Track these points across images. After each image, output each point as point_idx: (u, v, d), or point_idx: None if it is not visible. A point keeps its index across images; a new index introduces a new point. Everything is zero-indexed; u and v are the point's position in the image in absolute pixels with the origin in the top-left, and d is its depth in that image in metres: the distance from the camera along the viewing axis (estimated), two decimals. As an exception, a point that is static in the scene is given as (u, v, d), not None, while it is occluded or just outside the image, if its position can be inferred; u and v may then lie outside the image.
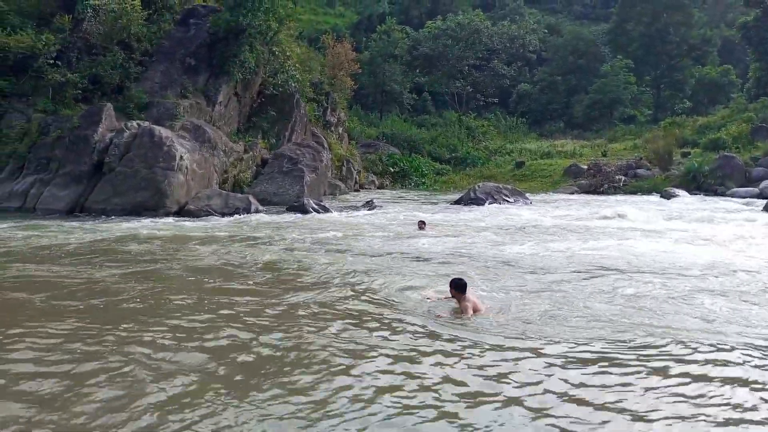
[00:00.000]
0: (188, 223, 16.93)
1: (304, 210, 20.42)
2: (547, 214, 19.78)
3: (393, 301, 7.95)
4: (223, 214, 18.96)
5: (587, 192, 30.88)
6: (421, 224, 15.61)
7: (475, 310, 7.22)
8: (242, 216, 18.91)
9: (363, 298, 8.12)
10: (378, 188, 34.95)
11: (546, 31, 62.52)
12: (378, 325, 6.86)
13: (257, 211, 19.87)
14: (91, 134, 20.10)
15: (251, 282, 9.15)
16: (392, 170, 37.66)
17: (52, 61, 21.94)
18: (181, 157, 19.80)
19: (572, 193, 30.56)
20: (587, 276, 9.62)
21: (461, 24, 52.29)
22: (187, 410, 4.53)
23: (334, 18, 69.59)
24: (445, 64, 51.42)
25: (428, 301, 7.90)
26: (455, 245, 12.93)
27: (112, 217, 17.93)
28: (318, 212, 20.28)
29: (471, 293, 7.45)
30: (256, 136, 26.91)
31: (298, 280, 9.38)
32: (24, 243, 12.65)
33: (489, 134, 47.05)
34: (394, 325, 6.87)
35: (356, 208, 22.10)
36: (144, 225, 16.22)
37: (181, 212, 19.12)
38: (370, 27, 60.84)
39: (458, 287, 7.36)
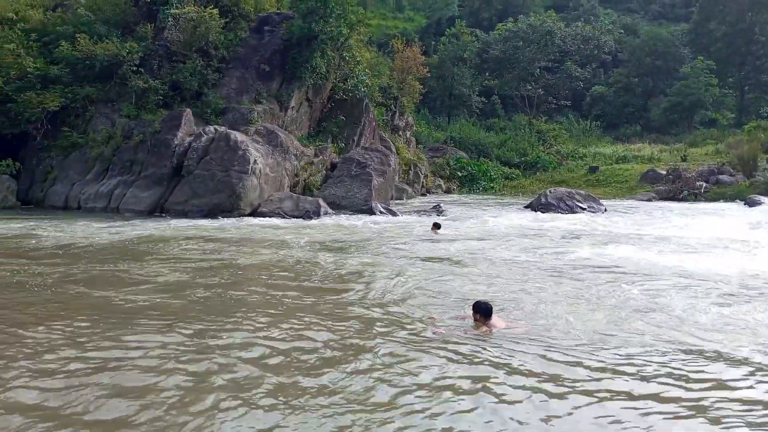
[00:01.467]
0: (261, 225, 17.36)
1: (371, 213, 20.58)
2: (619, 223, 19.11)
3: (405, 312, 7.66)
4: (294, 217, 19.35)
5: (666, 199, 29.63)
6: (435, 226, 16.00)
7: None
8: (312, 219, 19.22)
9: (399, 306, 7.99)
10: (445, 192, 34.79)
11: (622, 31, 60.55)
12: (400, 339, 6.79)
13: (326, 214, 20.15)
14: (172, 138, 20.99)
15: (314, 281, 9.29)
16: (460, 174, 37.39)
17: (135, 68, 23.08)
18: (255, 160, 20.34)
19: (650, 200, 29.38)
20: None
21: (533, 26, 51.30)
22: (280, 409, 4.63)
23: (403, 22, 69.85)
24: (516, 67, 50.56)
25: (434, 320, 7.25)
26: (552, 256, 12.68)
27: (190, 217, 18.62)
28: (386, 216, 20.38)
29: (497, 318, 6.86)
30: (326, 141, 27.33)
31: (355, 281, 9.38)
32: (127, 239, 13.34)
33: (561, 138, 45.95)
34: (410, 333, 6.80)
35: (424, 213, 22.04)
36: (220, 225, 16.78)
37: (254, 214, 19.64)
38: (439, 30, 60.69)
39: (483, 312, 6.74)
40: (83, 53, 22.71)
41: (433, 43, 55.08)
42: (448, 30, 54.79)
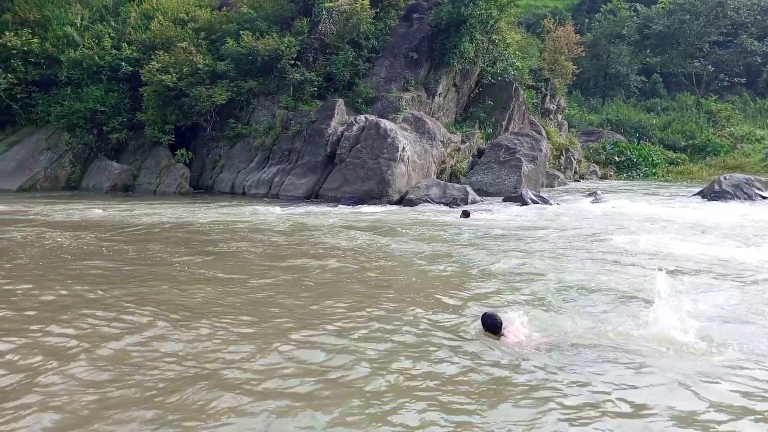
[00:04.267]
0: (410, 211, 17.46)
1: (521, 201, 19.88)
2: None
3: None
4: (441, 203, 19.25)
5: None
6: (465, 214, 15.93)
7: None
8: (460, 206, 18.97)
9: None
10: (600, 179, 32.88)
11: (810, -3, 53.08)
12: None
13: (474, 201, 19.83)
14: (325, 128, 21.81)
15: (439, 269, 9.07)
16: (617, 159, 35.15)
17: (292, 62, 24.17)
18: (404, 148, 20.50)
19: None
20: None
21: (702, -4, 46.64)
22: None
23: (553, 1, 66.82)
24: (682, 42, 46.31)
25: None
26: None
27: (343, 203, 19.22)
28: (536, 204, 19.60)
29: (512, 330, 5.86)
30: (473, 126, 26.91)
31: (484, 277, 9.01)
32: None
33: (734, 119, 41.50)
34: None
35: (578, 200, 20.92)
36: (372, 211, 17.20)
37: (402, 201, 19.82)
38: (593, 7, 57.23)
39: (489, 329, 5.89)
40: (246, 49, 24.17)
41: (586, 20, 52.11)
42: (603, 6, 51.52)
